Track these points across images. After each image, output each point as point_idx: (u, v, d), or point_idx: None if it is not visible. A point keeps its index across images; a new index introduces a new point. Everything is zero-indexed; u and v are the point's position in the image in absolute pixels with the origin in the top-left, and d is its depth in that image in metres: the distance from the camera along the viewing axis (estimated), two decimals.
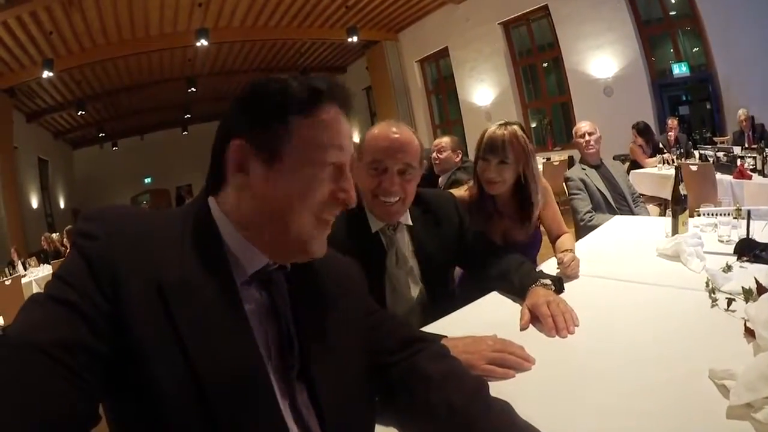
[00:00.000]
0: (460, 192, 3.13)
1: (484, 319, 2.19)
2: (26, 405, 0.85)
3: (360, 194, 2.30)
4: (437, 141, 5.89)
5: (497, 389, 1.39)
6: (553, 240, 3.14)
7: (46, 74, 14.29)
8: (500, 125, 2.88)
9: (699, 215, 3.28)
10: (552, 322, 1.92)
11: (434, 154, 5.76)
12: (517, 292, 2.30)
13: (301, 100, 1.18)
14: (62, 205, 24.14)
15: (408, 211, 2.42)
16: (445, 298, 2.50)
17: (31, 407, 0.85)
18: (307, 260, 1.25)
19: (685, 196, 2.97)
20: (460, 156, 5.69)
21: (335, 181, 1.21)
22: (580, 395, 1.44)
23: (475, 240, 2.65)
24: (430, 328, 2.08)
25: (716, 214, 3.07)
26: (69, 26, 13.13)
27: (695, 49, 12.43)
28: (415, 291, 2.44)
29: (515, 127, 2.87)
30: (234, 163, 1.17)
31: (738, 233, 2.71)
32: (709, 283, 2.04)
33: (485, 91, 16.91)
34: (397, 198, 2.25)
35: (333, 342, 1.28)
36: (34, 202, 20.32)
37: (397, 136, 2.26)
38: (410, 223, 2.44)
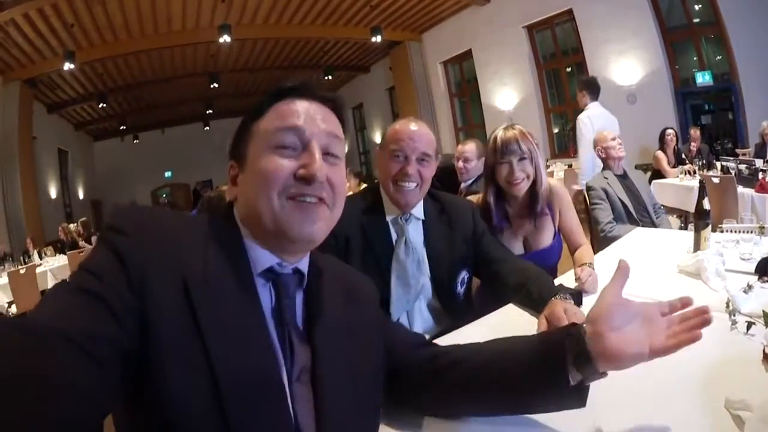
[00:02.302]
0: (473, 200, 3.13)
1: (499, 331, 2.15)
2: (50, 392, 0.84)
3: (380, 183, 2.63)
4: (461, 148, 5.51)
5: None
6: (572, 251, 3.10)
7: (68, 66, 14.39)
8: (505, 128, 2.94)
9: (721, 231, 3.22)
10: None
11: (459, 163, 5.44)
12: (534, 303, 2.29)
13: (260, 107, 1.30)
14: (81, 196, 24.40)
15: (422, 205, 2.64)
16: (451, 299, 2.63)
17: (54, 394, 0.84)
18: (300, 244, 1.26)
19: (708, 210, 2.92)
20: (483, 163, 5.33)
21: (297, 159, 1.23)
22: (589, 419, 1.41)
23: (489, 248, 2.70)
24: (444, 340, 2.07)
25: (739, 231, 3.02)
26: (91, 19, 13.19)
27: (718, 58, 12.32)
28: (420, 281, 2.56)
29: (518, 126, 2.95)
30: (230, 179, 1.33)
31: (760, 251, 2.66)
32: (729, 304, 1.99)
33: (508, 94, 16.79)
34: (415, 183, 2.48)
35: (342, 349, 1.29)
36: (53, 192, 20.53)
37: (415, 128, 2.52)
38: (422, 217, 2.63)
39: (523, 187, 2.89)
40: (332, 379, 1.23)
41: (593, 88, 7.28)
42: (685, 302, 1.33)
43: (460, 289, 2.68)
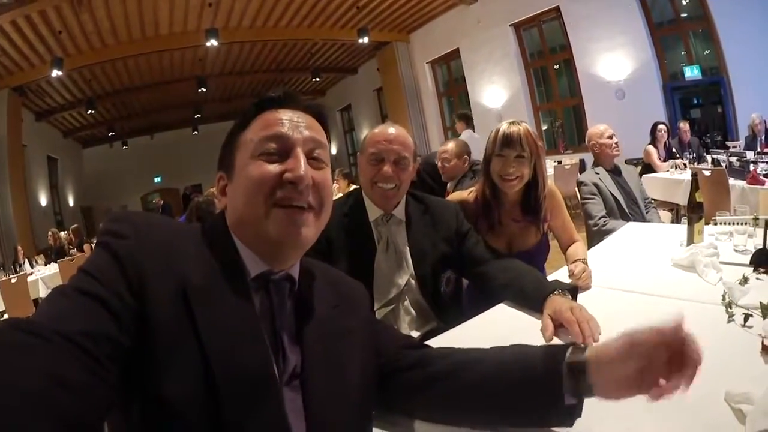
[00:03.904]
0: (463, 195, 3.13)
1: (493, 330, 2.16)
2: (51, 390, 0.84)
3: (361, 186, 2.73)
4: (442, 148, 5.65)
5: None
6: (565, 248, 3.09)
7: (56, 73, 14.34)
8: (511, 123, 2.88)
9: (715, 224, 3.22)
10: (578, 328, 1.89)
11: (440, 163, 5.57)
12: (530, 300, 2.27)
13: (245, 118, 1.33)
14: (71, 203, 24.38)
15: (404, 206, 2.71)
16: (436, 296, 2.67)
17: (55, 392, 0.84)
18: (288, 250, 1.29)
19: (701, 203, 2.91)
20: (467, 161, 5.46)
21: (283, 164, 1.26)
22: (585, 418, 1.38)
23: (475, 247, 2.70)
24: (436, 341, 2.08)
25: (732, 222, 3.02)
26: (78, 25, 13.14)
27: (707, 52, 12.35)
28: (403, 278, 2.62)
29: (525, 124, 2.88)
30: (219, 190, 1.36)
31: (754, 243, 2.66)
32: (726, 296, 1.98)
33: (496, 93, 16.79)
34: (393, 185, 2.56)
35: (332, 354, 1.31)
36: (43, 200, 20.49)
37: (392, 131, 2.61)
38: (403, 218, 2.69)
39: (515, 186, 2.85)
40: (321, 383, 1.25)
41: (468, 120, 9.48)
42: (677, 329, 1.18)
43: (445, 288, 2.71)
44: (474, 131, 9.17)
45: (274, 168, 1.24)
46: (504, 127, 2.87)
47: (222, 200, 1.35)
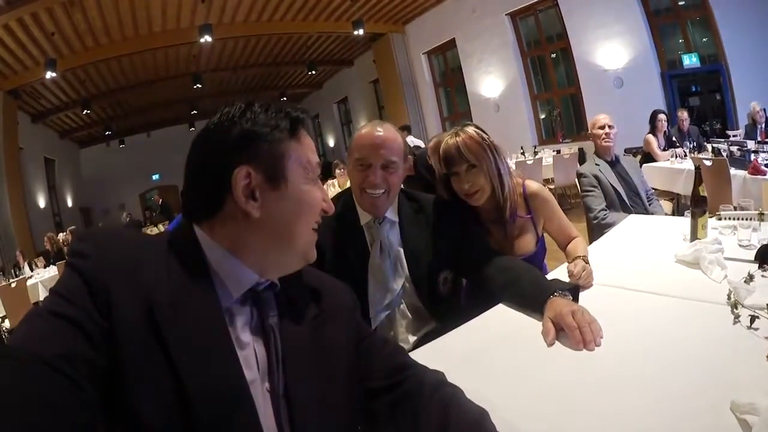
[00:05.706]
0: None
1: (491, 332, 2.12)
2: (32, 417, 0.86)
3: (351, 190, 2.59)
4: (430, 144, 5.62)
5: (497, 407, 1.37)
6: (563, 247, 2.97)
7: (50, 75, 14.29)
8: (451, 135, 2.76)
9: (719, 218, 3.14)
10: (579, 334, 1.83)
11: (429, 160, 5.53)
12: (529, 303, 2.20)
13: (287, 126, 1.28)
14: (70, 203, 24.35)
15: (396, 207, 2.60)
16: (434, 299, 2.57)
17: (36, 419, 0.87)
18: (301, 267, 1.35)
19: (705, 197, 2.83)
20: None
21: (321, 191, 1.34)
22: (589, 419, 1.36)
23: (473, 246, 2.61)
24: (434, 344, 2.08)
25: (737, 218, 2.95)
26: (71, 26, 13.12)
27: (705, 39, 12.29)
28: (398, 282, 2.52)
29: (468, 129, 2.76)
30: (245, 192, 1.21)
31: (758, 237, 2.60)
32: (731, 295, 1.91)
33: (494, 83, 16.81)
34: (382, 190, 2.42)
35: (317, 363, 1.31)
36: (41, 202, 20.44)
37: (380, 133, 2.43)
38: (396, 219, 2.59)
39: (480, 198, 2.74)
40: (304, 395, 1.25)
41: (408, 129, 13.02)
42: None
43: (443, 289, 2.61)
44: (413, 136, 11.77)
45: (322, 195, 1.34)
46: (443, 145, 2.77)
47: (247, 205, 1.20)
